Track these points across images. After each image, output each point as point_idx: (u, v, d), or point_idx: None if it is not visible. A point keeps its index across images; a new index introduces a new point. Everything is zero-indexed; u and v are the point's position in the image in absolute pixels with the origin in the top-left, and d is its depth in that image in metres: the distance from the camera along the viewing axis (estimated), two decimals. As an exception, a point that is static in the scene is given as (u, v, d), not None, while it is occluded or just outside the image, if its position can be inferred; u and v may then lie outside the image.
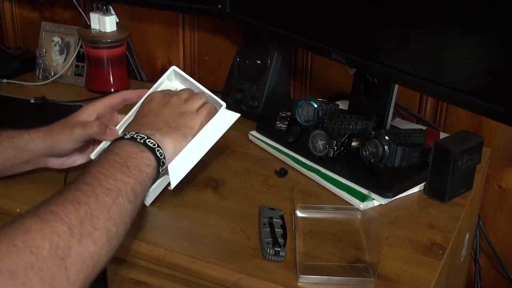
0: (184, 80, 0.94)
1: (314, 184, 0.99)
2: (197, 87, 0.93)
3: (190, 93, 0.90)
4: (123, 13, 1.40)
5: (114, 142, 0.78)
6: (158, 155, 0.77)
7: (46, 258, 0.57)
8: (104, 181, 0.68)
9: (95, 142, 0.94)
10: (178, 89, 0.93)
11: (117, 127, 0.92)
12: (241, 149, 1.11)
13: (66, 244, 0.60)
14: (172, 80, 0.96)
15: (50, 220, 0.60)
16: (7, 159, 0.89)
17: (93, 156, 0.92)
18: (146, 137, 0.77)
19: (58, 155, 0.91)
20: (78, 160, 0.95)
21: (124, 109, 0.95)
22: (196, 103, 0.88)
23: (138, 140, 0.76)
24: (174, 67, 0.94)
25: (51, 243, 0.59)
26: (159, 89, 0.94)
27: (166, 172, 0.83)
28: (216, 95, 0.90)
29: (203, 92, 0.92)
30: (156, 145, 0.77)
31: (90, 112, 0.90)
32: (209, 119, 0.87)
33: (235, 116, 0.91)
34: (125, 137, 0.77)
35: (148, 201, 0.89)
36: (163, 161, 0.78)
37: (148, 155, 0.76)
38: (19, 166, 0.91)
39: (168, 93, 0.89)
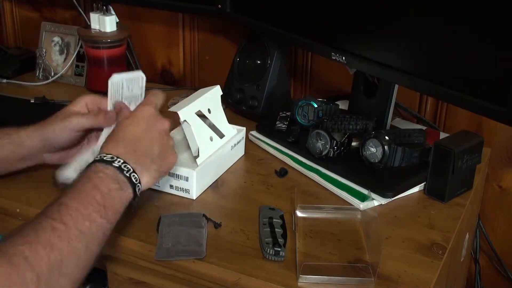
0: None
1: (314, 184, 0.99)
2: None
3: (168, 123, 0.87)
4: (123, 13, 1.40)
5: (97, 164, 0.75)
6: (137, 190, 0.77)
7: None
8: (80, 222, 0.67)
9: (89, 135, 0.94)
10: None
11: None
12: (241, 149, 1.10)
13: None
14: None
15: (20, 266, 0.60)
16: (4, 156, 0.89)
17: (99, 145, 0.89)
18: (131, 170, 0.76)
19: (54, 149, 0.91)
20: (75, 154, 0.94)
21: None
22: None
23: (124, 172, 0.75)
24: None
25: None
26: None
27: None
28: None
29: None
30: (138, 181, 0.77)
31: (81, 104, 0.92)
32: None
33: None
34: (113, 164, 0.75)
35: None
36: (137, 197, 0.77)
37: (125, 194, 0.75)
38: (15, 164, 0.91)
39: (157, 117, 0.85)
